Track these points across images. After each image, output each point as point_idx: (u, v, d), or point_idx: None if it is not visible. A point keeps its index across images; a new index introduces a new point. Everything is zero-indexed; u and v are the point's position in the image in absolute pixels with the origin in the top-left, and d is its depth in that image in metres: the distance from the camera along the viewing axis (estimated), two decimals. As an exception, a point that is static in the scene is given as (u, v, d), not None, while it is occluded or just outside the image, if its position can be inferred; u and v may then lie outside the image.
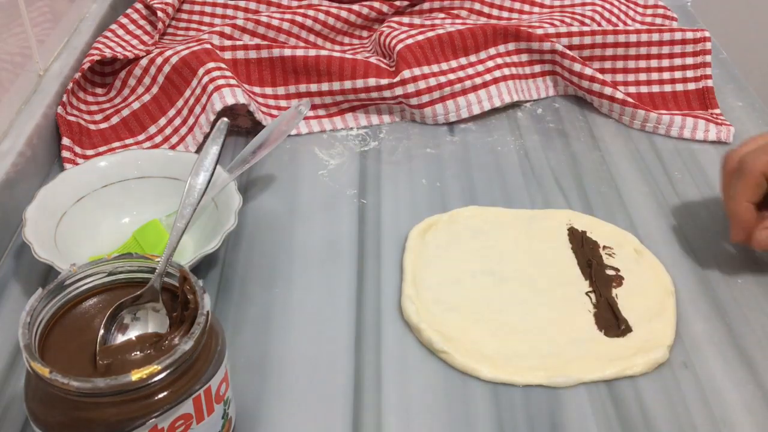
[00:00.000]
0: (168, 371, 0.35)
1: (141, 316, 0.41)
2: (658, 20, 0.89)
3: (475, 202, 0.63)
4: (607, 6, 0.86)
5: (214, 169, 0.52)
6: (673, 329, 0.52)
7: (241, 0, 0.87)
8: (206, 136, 0.67)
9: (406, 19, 0.85)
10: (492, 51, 0.77)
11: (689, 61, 0.77)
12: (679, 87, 0.77)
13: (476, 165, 0.68)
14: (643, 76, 0.77)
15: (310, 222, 0.62)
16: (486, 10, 0.87)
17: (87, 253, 0.56)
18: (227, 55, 0.74)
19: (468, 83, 0.73)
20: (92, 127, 0.71)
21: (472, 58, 0.76)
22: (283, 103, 0.74)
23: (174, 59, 0.71)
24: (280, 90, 0.74)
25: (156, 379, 0.35)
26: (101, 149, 0.68)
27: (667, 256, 0.58)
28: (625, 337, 0.51)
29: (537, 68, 0.77)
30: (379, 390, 0.48)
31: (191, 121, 0.68)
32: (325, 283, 0.56)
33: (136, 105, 0.72)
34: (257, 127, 0.69)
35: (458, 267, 0.57)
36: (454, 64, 0.75)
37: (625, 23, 0.87)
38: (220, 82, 0.68)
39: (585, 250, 0.58)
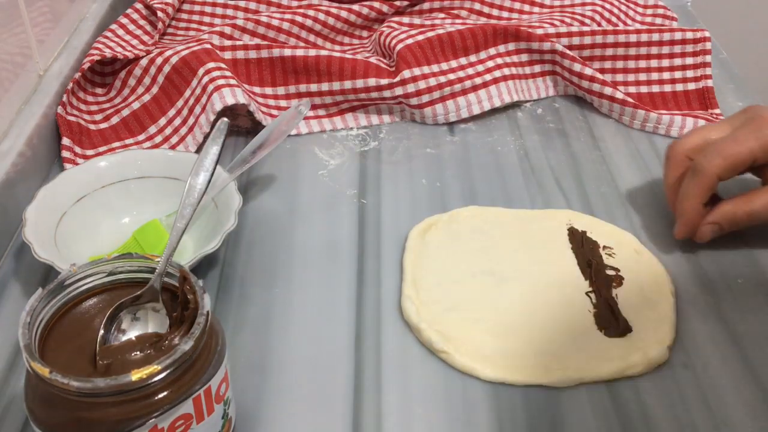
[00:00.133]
0: (168, 371, 0.35)
1: (141, 316, 0.41)
2: (658, 20, 0.89)
3: (475, 202, 0.63)
4: (607, 6, 0.86)
5: (214, 169, 0.52)
6: (673, 329, 0.52)
7: (241, 0, 0.87)
8: (206, 136, 0.67)
9: (406, 19, 0.85)
10: (492, 51, 0.77)
11: (689, 61, 0.77)
12: (679, 87, 0.77)
13: (476, 165, 0.68)
14: (643, 76, 0.77)
15: (310, 222, 0.62)
16: (486, 10, 0.87)
17: (87, 253, 0.56)
18: (227, 55, 0.74)
19: (468, 83, 0.73)
20: (92, 127, 0.71)
21: (472, 58, 0.76)
22: (283, 103, 0.74)
23: (174, 59, 0.71)
24: (280, 90, 0.74)
25: (156, 379, 0.35)
26: (101, 149, 0.68)
27: (667, 256, 0.58)
28: (625, 337, 0.51)
29: (537, 68, 0.77)
30: (379, 390, 0.48)
31: (191, 121, 0.68)
32: (325, 283, 0.56)
33: (136, 105, 0.72)
34: (257, 127, 0.69)
35: (458, 267, 0.57)
36: (454, 64, 0.75)
37: (625, 23, 0.87)
38: (220, 82, 0.68)
39: (585, 250, 0.58)
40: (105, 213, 0.59)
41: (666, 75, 0.77)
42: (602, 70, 0.77)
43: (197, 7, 0.87)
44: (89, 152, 0.68)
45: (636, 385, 0.49)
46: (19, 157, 0.61)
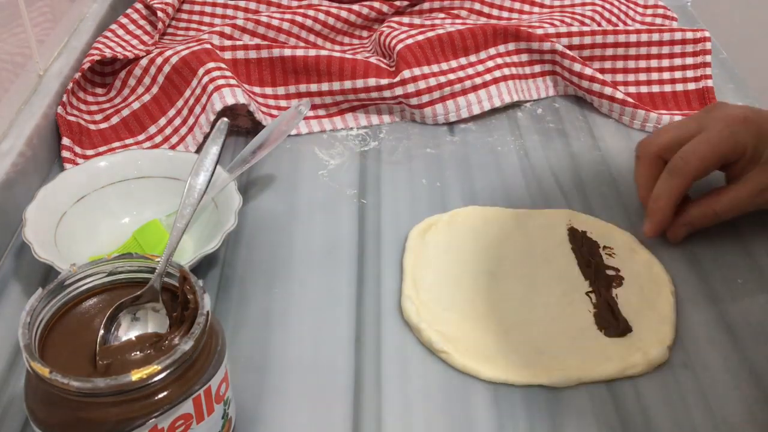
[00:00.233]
0: (168, 371, 0.35)
1: (141, 316, 0.41)
2: (658, 20, 0.89)
3: (475, 202, 0.63)
4: (607, 6, 0.86)
5: (214, 169, 0.52)
6: (673, 329, 0.52)
7: (241, 0, 0.87)
8: (206, 136, 0.67)
9: (406, 19, 0.85)
10: (492, 51, 0.77)
11: (689, 61, 0.77)
12: (679, 87, 0.77)
13: (476, 165, 0.68)
14: (643, 76, 0.77)
15: (310, 222, 0.62)
16: (486, 10, 0.87)
17: (87, 253, 0.56)
18: (227, 55, 0.74)
19: (468, 83, 0.73)
20: (92, 127, 0.71)
21: (472, 58, 0.76)
22: (283, 103, 0.74)
23: (174, 59, 0.71)
24: (280, 90, 0.74)
25: (156, 379, 0.35)
26: (101, 149, 0.68)
27: (666, 256, 0.58)
28: (625, 337, 0.51)
29: (537, 68, 0.77)
30: (379, 390, 0.48)
31: (191, 121, 0.68)
32: (325, 283, 0.56)
33: (136, 105, 0.72)
34: (257, 127, 0.69)
35: (458, 267, 0.57)
36: (454, 64, 0.75)
37: (625, 23, 0.87)
38: (220, 82, 0.68)
39: (585, 250, 0.58)
40: (105, 213, 0.59)
41: (666, 75, 0.77)
42: (602, 70, 0.77)
43: (197, 7, 0.87)
44: (89, 152, 0.68)
45: (636, 385, 0.49)
46: (19, 157, 0.61)
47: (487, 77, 0.74)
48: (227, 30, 0.79)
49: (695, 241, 0.60)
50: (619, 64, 0.77)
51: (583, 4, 0.86)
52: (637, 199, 0.64)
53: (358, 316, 0.53)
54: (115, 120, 0.72)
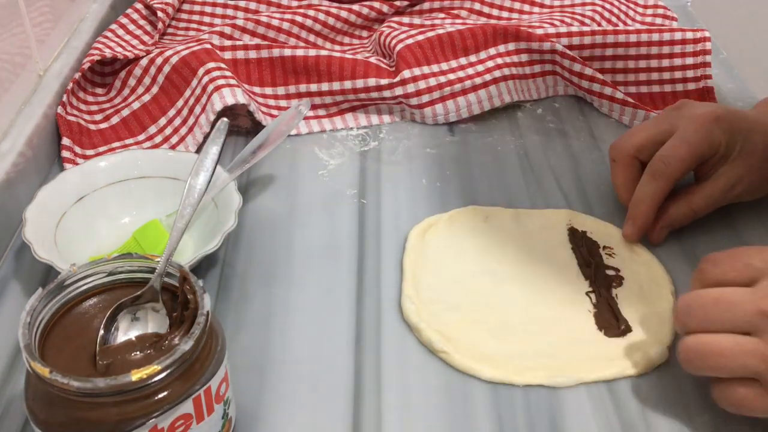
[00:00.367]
0: (168, 371, 0.35)
1: (141, 316, 0.41)
2: (658, 20, 0.89)
3: (475, 202, 0.63)
4: (607, 6, 0.86)
5: (214, 169, 0.52)
6: (673, 329, 0.52)
7: (241, 0, 0.87)
8: (206, 136, 0.67)
9: (406, 19, 0.85)
10: (492, 51, 0.77)
11: (689, 61, 0.77)
12: (679, 87, 0.77)
13: (476, 165, 0.68)
14: (643, 76, 0.77)
15: (310, 222, 0.62)
16: (486, 10, 0.87)
17: (87, 253, 0.56)
18: (227, 55, 0.74)
19: (468, 83, 0.73)
20: (92, 127, 0.71)
21: (472, 58, 0.76)
22: (283, 103, 0.74)
23: (174, 59, 0.71)
24: (280, 90, 0.74)
25: (156, 379, 0.35)
26: (101, 149, 0.68)
27: (666, 256, 0.58)
28: (625, 337, 0.51)
29: (537, 68, 0.77)
30: (379, 390, 0.48)
31: (191, 121, 0.68)
32: (325, 283, 0.56)
33: (136, 105, 0.72)
34: (257, 127, 0.69)
35: (458, 267, 0.57)
36: (454, 64, 0.75)
37: (625, 23, 0.87)
38: (220, 82, 0.68)
39: (585, 250, 0.58)
40: (105, 213, 0.59)
41: (666, 75, 0.77)
42: (602, 70, 0.77)
43: (197, 7, 0.87)
44: (89, 152, 0.68)
45: (636, 385, 0.49)
46: (19, 157, 0.61)
47: (487, 77, 0.74)
48: (227, 30, 0.79)
49: (695, 240, 0.60)
50: (619, 64, 0.77)
51: (583, 4, 0.86)
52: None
53: (358, 316, 0.53)
54: (115, 120, 0.72)
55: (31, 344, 0.36)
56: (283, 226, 0.61)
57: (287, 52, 0.73)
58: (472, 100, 0.73)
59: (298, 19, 0.81)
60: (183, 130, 0.69)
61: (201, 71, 0.69)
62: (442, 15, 0.87)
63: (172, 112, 0.70)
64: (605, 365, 0.49)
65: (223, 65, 0.70)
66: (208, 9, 0.87)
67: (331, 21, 0.82)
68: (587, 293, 0.55)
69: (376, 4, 0.84)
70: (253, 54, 0.74)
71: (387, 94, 0.72)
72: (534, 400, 0.48)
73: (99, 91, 0.76)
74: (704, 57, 0.76)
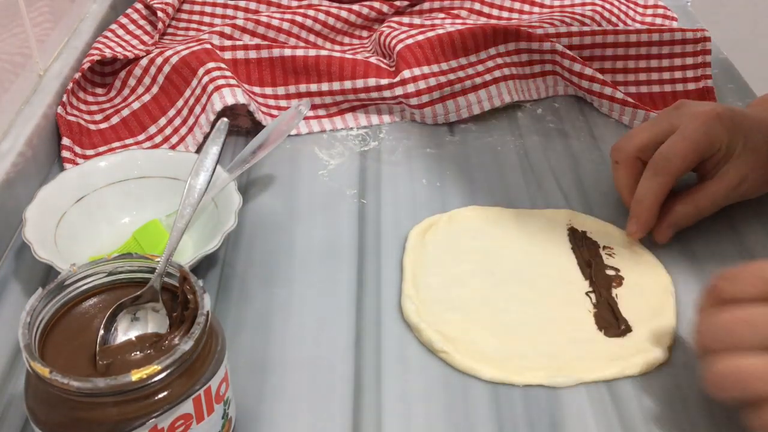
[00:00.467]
0: (168, 371, 0.35)
1: (141, 316, 0.41)
2: (658, 20, 0.89)
3: (475, 202, 0.63)
4: (607, 6, 0.86)
5: (214, 169, 0.52)
6: (673, 329, 0.52)
7: (241, 0, 0.87)
8: (206, 136, 0.67)
9: (406, 19, 0.85)
10: (492, 51, 0.77)
11: (689, 61, 0.77)
12: (679, 87, 0.77)
13: (476, 165, 0.68)
14: (643, 76, 0.77)
15: (310, 222, 0.62)
16: (486, 10, 0.87)
17: (87, 253, 0.56)
18: (227, 55, 0.74)
19: (468, 83, 0.73)
20: (92, 127, 0.71)
21: (472, 58, 0.76)
22: (283, 103, 0.74)
23: (174, 59, 0.71)
24: (280, 90, 0.74)
25: (156, 379, 0.35)
26: (101, 149, 0.68)
27: (666, 256, 0.58)
28: (625, 337, 0.51)
29: (537, 68, 0.77)
30: (379, 390, 0.48)
31: (191, 121, 0.68)
32: (325, 283, 0.56)
33: (136, 105, 0.72)
34: (257, 127, 0.69)
35: (458, 267, 0.57)
36: (454, 64, 0.75)
37: (625, 23, 0.87)
38: (220, 82, 0.68)
39: (585, 250, 0.58)
40: (105, 213, 0.59)
41: (666, 75, 0.77)
42: (602, 70, 0.77)
43: (197, 7, 0.87)
44: (89, 152, 0.68)
45: (636, 385, 0.49)
46: (19, 157, 0.61)
47: (487, 77, 0.74)
48: (227, 30, 0.79)
49: (695, 240, 0.60)
50: (619, 64, 0.77)
51: (583, 4, 0.86)
52: (637, 199, 0.64)
53: (358, 316, 0.53)
54: (115, 120, 0.72)
55: (31, 344, 0.36)
56: (283, 226, 0.61)
57: (287, 52, 0.73)
58: (472, 100, 0.73)
59: (298, 19, 0.81)
60: (183, 130, 0.69)
61: (201, 71, 0.69)
62: (442, 15, 0.87)
63: (172, 112, 0.70)
64: (605, 365, 0.49)
65: (223, 65, 0.70)
66: (208, 9, 0.87)
67: (331, 21, 0.82)
68: (587, 293, 0.55)
69: (376, 4, 0.84)
70: (253, 54, 0.74)
71: (387, 94, 0.72)
72: (534, 400, 0.48)
73: (99, 91, 0.76)
74: (704, 57, 0.76)
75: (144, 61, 0.73)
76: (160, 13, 0.81)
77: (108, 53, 0.74)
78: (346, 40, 0.84)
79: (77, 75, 0.72)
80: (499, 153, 0.70)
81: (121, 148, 0.69)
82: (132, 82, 0.73)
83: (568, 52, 0.75)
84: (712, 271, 0.57)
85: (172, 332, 0.39)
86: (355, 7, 0.83)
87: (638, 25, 0.86)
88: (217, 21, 0.86)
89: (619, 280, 0.56)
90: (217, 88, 0.67)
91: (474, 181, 0.66)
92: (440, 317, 0.52)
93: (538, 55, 0.76)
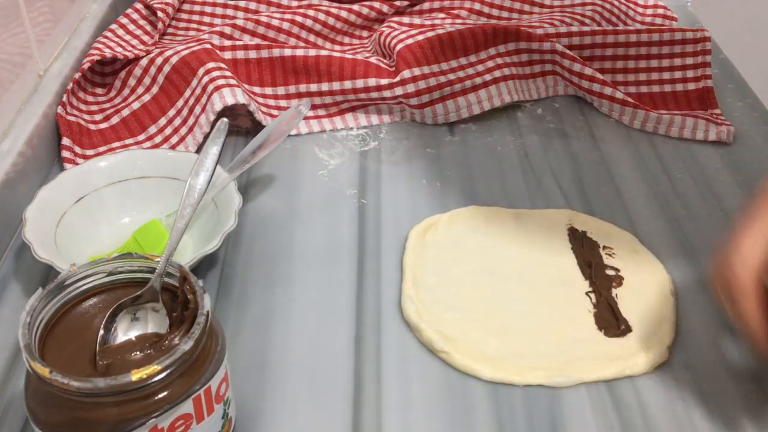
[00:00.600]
0: (168, 371, 0.35)
1: (141, 316, 0.41)
2: (658, 20, 0.89)
3: (475, 202, 0.63)
4: (607, 6, 0.86)
5: (214, 169, 0.52)
6: (673, 329, 0.52)
7: (241, 0, 0.87)
8: (206, 136, 0.67)
9: (406, 19, 0.85)
10: (492, 51, 0.77)
11: (689, 61, 0.77)
12: (679, 87, 0.77)
13: (476, 165, 0.68)
14: (643, 76, 0.77)
15: (310, 222, 0.62)
16: (486, 10, 0.87)
17: (87, 253, 0.56)
18: (227, 55, 0.74)
19: (468, 83, 0.73)
20: (92, 127, 0.71)
21: (472, 58, 0.76)
22: (283, 103, 0.74)
23: (174, 59, 0.71)
24: (280, 90, 0.74)
25: (156, 379, 0.35)
26: (101, 149, 0.68)
27: (667, 256, 0.58)
28: (625, 337, 0.51)
29: (537, 68, 0.77)
30: (379, 390, 0.48)
31: (191, 121, 0.68)
32: (325, 283, 0.56)
33: (136, 105, 0.72)
34: (257, 127, 0.69)
35: (458, 267, 0.57)
36: (454, 64, 0.75)
37: (625, 23, 0.87)
38: (220, 82, 0.68)
39: (585, 250, 0.58)
40: (105, 213, 0.59)
41: (666, 75, 0.77)
42: (602, 70, 0.77)
43: (197, 7, 0.87)
44: (89, 152, 0.68)
45: (636, 385, 0.49)
46: (19, 157, 0.61)
47: (487, 77, 0.74)
48: (227, 30, 0.79)
49: (695, 241, 0.60)
50: (619, 64, 0.77)
51: (583, 4, 0.86)
52: (637, 199, 0.64)
53: (358, 316, 0.53)
54: (115, 120, 0.72)
55: (31, 344, 0.36)
56: (283, 226, 0.61)
57: (287, 52, 0.73)
58: (472, 100, 0.73)
59: (298, 19, 0.81)
60: (183, 130, 0.69)
61: (201, 71, 0.69)
62: (442, 15, 0.87)
63: (172, 112, 0.70)
64: (605, 365, 0.49)
65: (223, 65, 0.70)
66: (208, 9, 0.87)
67: (331, 21, 0.82)
68: (587, 293, 0.55)
69: (376, 4, 0.84)
70: (253, 54, 0.74)
71: (387, 94, 0.72)
72: (534, 400, 0.48)
73: (99, 91, 0.76)
74: (704, 57, 0.76)
75: (144, 61, 0.73)
76: (160, 13, 0.81)
77: (108, 53, 0.74)
78: (346, 40, 0.84)
79: (77, 75, 0.72)
80: (499, 153, 0.70)
81: (121, 148, 0.69)
82: (132, 82, 0.73)
83: (568, 52, 0.75)
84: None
85: (172, 332, 0.39)
86: (355, 7, 0.83)
87: (638, 25, 0.86)
88: (217, 21, 0.86)
89: (619, 280, 0.56)
90: (217, 88, 0.67)
91: (474, 181, 0.66)
92: (440, 317, 0.52)
93: (538, 55, 0.76)
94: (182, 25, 0.86)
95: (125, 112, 0.72)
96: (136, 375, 0.35)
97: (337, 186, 0.66)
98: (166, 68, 0.71)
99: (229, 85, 0.68)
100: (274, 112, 0.73)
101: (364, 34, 0.85)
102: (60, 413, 0.36)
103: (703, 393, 0.48)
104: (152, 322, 0.41)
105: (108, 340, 0.39)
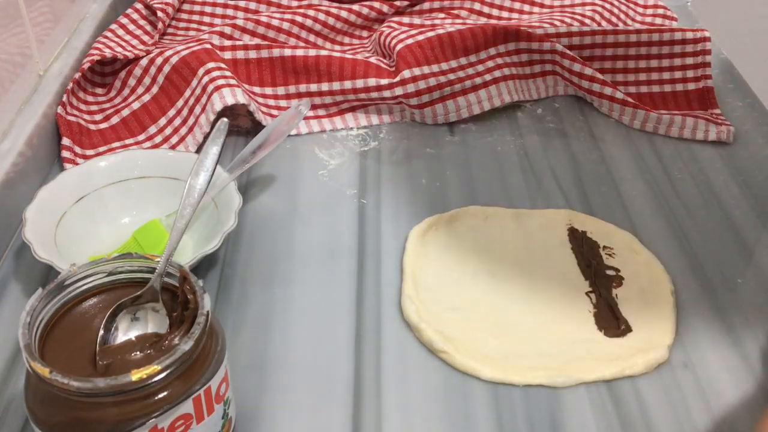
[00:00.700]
0: (168, 371, 0.35)
1: (141, 316, 0.41)
2: (658, 20, 0.89)
3: (475, 202, 0.63)
4: (607, 6, 0.86)
5: (214, 169, 0.52)
6: (673, 329, 0.52)
7: (241, 0, 0.87)
8: (206, 136, 0.67)
9: (406, 19, 0.85)
10: (492, 51, 0.77)
11: (689, 61, 0.77)
12: (679, 87, 0.77)
13: (476, 165, 0.68)
14: (643, 76, 0.77)
15: (310, 222, 0.62)
16: (486, 10, 0.87)
17: (87, 253, 0.56)
18: (227, 55, 0.74)
19: (468, 83, 0.73)
20: (92, 127, 0.71)
21: (472, 58, 0.76)
22: (283, 103, 0.74)
23: (174, 59, 0.71)
24: (280, 90, 0.74)
25: (156, 379, 0.35)
26: (101, 149, 0.68)
27: (667, 256, 0.58)
28: (625, 337, 0.51)
29: (537, 68, 0.77)
30: (379, 390, 0.48)
31: (191, 121, 0.68)
32: (325, 283, 0.56)
33: (136, 105, 0.72)
34: (257, 127, 0.69)
35: (458, 267, 0.57)
36: (454, 64, 0.75)
37: (625, 23, 0.87)
38: (220, 82, 0.68)
39: (585, 250, 0.58)
40: (105, 213, 0.59)
41: (666, 75, 0.77)
42: (602, 70, 0.77)
43: (197, 7, 0.87)
44: (89, 152, 0.68)
45: (636, 385, 0.49)
46: (19, 157, 0.61)
47: (487, 77, 0.74)
48: (227, 30, 0.79)
49: (695, 241, 0.60)
50: (619, 64, 0.77)
51: (583, 4, 0.86)
52: (637, 199, 0.64)
53: (358, 316, 0.53)
54: (115, 120, 0.72)
55: (31, 344, 0.36)
56: (283, 226, 0.61)
57: (287, 52, 0.73)
58: (472, 100, 0.73)
59: (298, 19, 0.81)
60: (183, 130, 0.69)
61: (201, 71, 0.69)
62: (442, 15, 0.87)
63: (172, 112, 0.70)
64: (605, 365, 0.49)
65: (223, 65, 0.70)
66: (208, 9, 0.87)
67: (331, 21, 0.82)
68: (587, 293, 0.55)
69: (376, 4, 0.84)
70: (253, 54, 0.74)
71: (387, 94, 0.72)
72: (534, 400, 0.48)
73: (99, 91, 0.76)
74: (704, 57, 0.76)
75: (144, 61, 0.73)
76: (160, 13, 0.80)
77: (108, 53, 0.74)
78: (346, 40, 0.84)
79: (77, 75, 0.72)
80: (499, 153, 0.70)
81: (121, 148, 0.69)
82: (132, 82, 0.73)
83: (568, 52, 0.75)
84: (712, 271, 0.57)
85: (172, 332, 0.39)
86: (355, 7, 0.83)
87: (638, 25, 0.86)
88: (217, 21, 0.86)
89: (619, 280, 0.56)
90: (217, 88, 0.67)
91: (474, 181, 0.66)
92: (440, 317, 0.52)
93: (538, 55, 0.76)
94: (182, 25, 0.86)
95: (125, 112, 0.72)
96: (136, 375, 0.35)
97: (337, 186, 0.66)
98: (166, 68, 0.71)
99: (229, 85, 0.68)
100: (274, 112, 0.73)
101: (364, 34, 0.85)
102: (60, 413, 0.36)
103: (703, 393, 0.48)
104: (152, 322, 0.41)
105: (108, 340, 0.39)
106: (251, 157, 0.62)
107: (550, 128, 0.73)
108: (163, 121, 0.70)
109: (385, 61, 0.76)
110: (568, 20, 0.83)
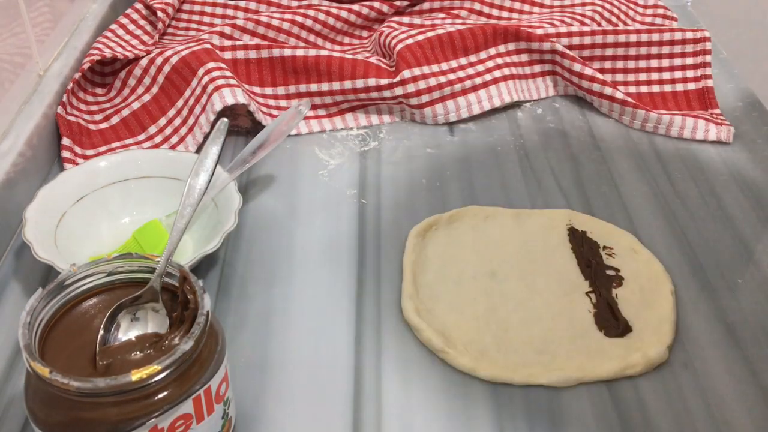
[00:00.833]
0: (168, 371, 0.35)
1: (141, 316, 0.41)
2: (658, 20, 0.89)
3: (475, 202, 0.63)
4: (607, 6, 0.86)
5: (214, 169, 0.52)
6: (673, 329, 0.52)
7: (241, 0, 0.87)
8: (206, 136, 0.67)
9: (406, 19, 0.85)
10: (492, 51, 0.77)
11: (689, 61, 0.77)
12: (679, 87, 0.77)
13: (476, 165, 0.68)
14: (643, 76, 0.77)
15: (310, 222, 0.62)
16: (486, 10, 0.87)
17: (87, 253, 0.56)
18: (227, 55, 0.74)
19: (468, 83, 0.73)
20: (92, 127, 0.71)
21: (472, 58, 0.76)
22: (283, 103, 0.74)
23: (174, 59, 0.71)
24: (280, 90, 0.74)
25: (156, 379, 0.35)
26: (101, 149, 0.68)
27: (667, 256, 0.58)
28: (625, 337, 0.51)
29: (537, 68, 0.77)
30: (379, 390, 0.48)
31: (191, 121, 0.68)
32: (325, 283, 0.56)
33: (136, 105, 0.72)
34: (257, 127, 0.69)
35: (458, 267, 0.57)
36: (454, 64, 0.75)
37: (625, 23, 0.87)
38: (220, 82, 0.68)
39: (585, 250, 0.58)
40: (105, 213, 0.59)
41: (666, 75, 0.77)
42: (602, 70, 0.77)
43: (197, 7, 0.87)
44: (89, 152, 0.68)
45: (636, 385, 0.49)
46: (19, 157, 0.61)
47: (487, 77, 0.74)
48: (227, 30, 0.79)
49: (695, 241, 0.60)
50: (619, 64, 0.77)
51: (583, 4, 0.86)
52: (638, 199, 0.64)
53: (358, 316, 0.53)
54: (115, 120, 0.72)
55: (31, 344, 0.36)
56: (283, 226, 0.61)
57: (287, 52, 0.73)
58: (472, 100, 0.73)
59: (298, 19, 0.81)
60: (183, 130, 0.69)
61: (201, 71, 0.69)
62: (442, 15, 0.87)
63: (172, 112, 0.70)
64: (605, 365, 0.49)
65: (223, 65, 0.70)
66: (208, 9, 0.87)
67: (331, 21, 0.82)
68: (587, 293, 0.55)
69: (376, 4, 0.84)
70: (253, 54, 0.74)
71: (387, 94, 0.72)
72: (534, 400, 0.48)
73: (99, 91, 0.76)
74: (704, 57, 0.76)
75: (144, 61, 0.73)
76: (160, 13, 0.81)
77: (108, 53, 0.74)
78: (346, 40, 0.84)
79: (77, 75, 0.72)
80: (499, 153, 0.70)
81: (121, 148, 0.69)
82: (132, 82, 0.73)
83: (568, 52, 0.75)
84: (712, 271, 0.57)
85: (172, 332, 0.39)
86: (355, 7, 0.83)
87: (638, 25, 0.86)
88: (217, 21, 0.86)
89: (619, 280, 0.56)
90: (217, 88, 0.67)
91: (474, 181, 0.66)
92: (440, 317, 0.52)
93: (538, 55, 0.76)
94: (182, 25, 0.86)
95: (125, 112, 0.72)
96: (136, 375, 0.35)
97: (337, 186, 0.66)
98: (166, 68, 0.71)
99: (229, 85, 0.68)
100: (274, 112, 0.73)
101: (364, 34, 0.85)
102: (60, 413, 0.36)
103: (703, 393, 0.48)
104: (152, 322, 0.41)
105: (108, 340, 0.39)
106: (251, 157, 0.62)
107: (550, 128, 0.73)
108: (163, 121, 0.70)
109: (385, 61, 0.76)
110: (568, 20, 0.83)
